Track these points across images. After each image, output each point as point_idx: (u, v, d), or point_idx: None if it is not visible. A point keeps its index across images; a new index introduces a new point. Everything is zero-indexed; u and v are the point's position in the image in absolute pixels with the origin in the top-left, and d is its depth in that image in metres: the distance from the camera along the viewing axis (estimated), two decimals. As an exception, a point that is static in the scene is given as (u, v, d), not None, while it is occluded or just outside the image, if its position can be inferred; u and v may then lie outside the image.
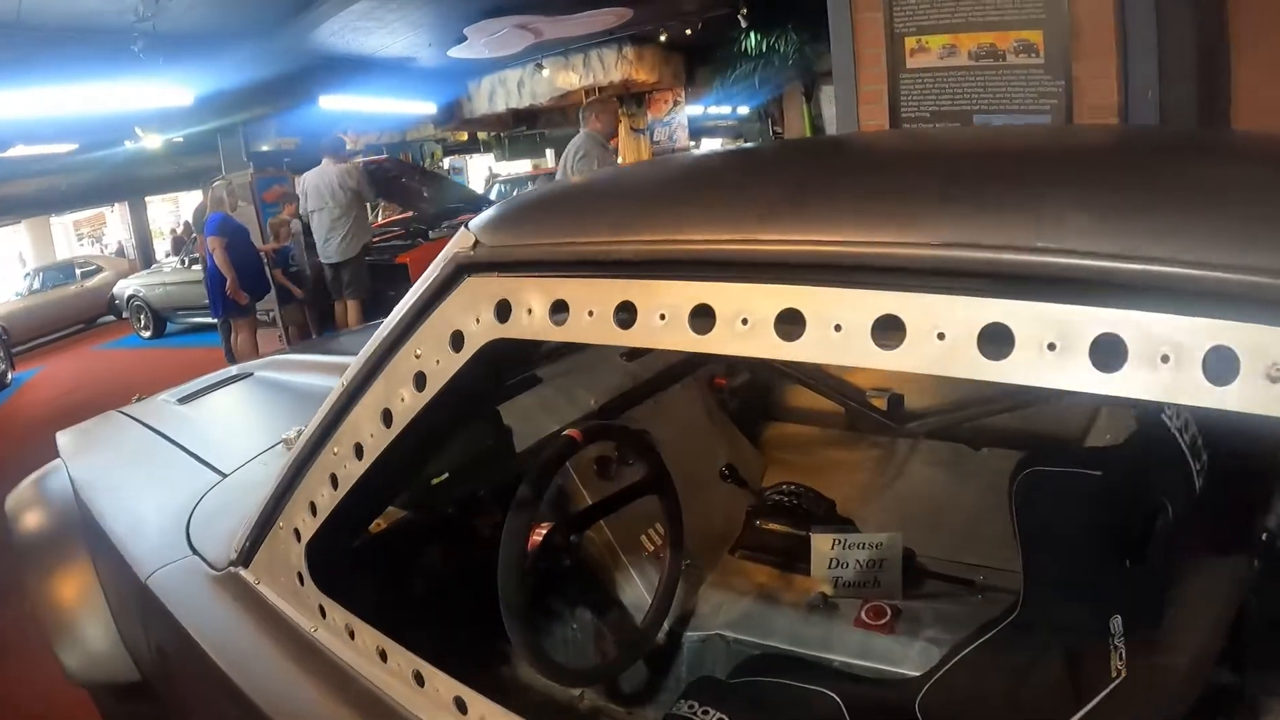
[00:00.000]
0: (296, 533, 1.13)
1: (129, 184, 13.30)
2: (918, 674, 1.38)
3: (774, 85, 12.23)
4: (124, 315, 10.73)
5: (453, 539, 1.43)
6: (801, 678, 1.36)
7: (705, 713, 1.24)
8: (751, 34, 10.62)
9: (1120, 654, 0.95)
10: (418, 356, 0.93)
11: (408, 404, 0.95)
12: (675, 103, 14.76)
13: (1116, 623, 0.99)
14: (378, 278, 7.14)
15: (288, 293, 7.21)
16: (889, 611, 1.51)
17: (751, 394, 2.35)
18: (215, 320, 6.72)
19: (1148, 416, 1.10)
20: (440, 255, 0.92)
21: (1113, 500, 1.15)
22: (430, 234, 8.36)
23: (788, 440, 2.33)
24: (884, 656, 1.45)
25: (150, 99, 7.09)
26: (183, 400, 2.44)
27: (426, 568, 1.42)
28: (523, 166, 18.58)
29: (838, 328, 0.62)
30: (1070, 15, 2.59)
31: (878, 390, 2.20)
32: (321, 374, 2.43)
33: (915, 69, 2.88)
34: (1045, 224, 0.55)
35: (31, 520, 1.95)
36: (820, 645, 1.49)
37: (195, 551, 1.41)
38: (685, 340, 0.69)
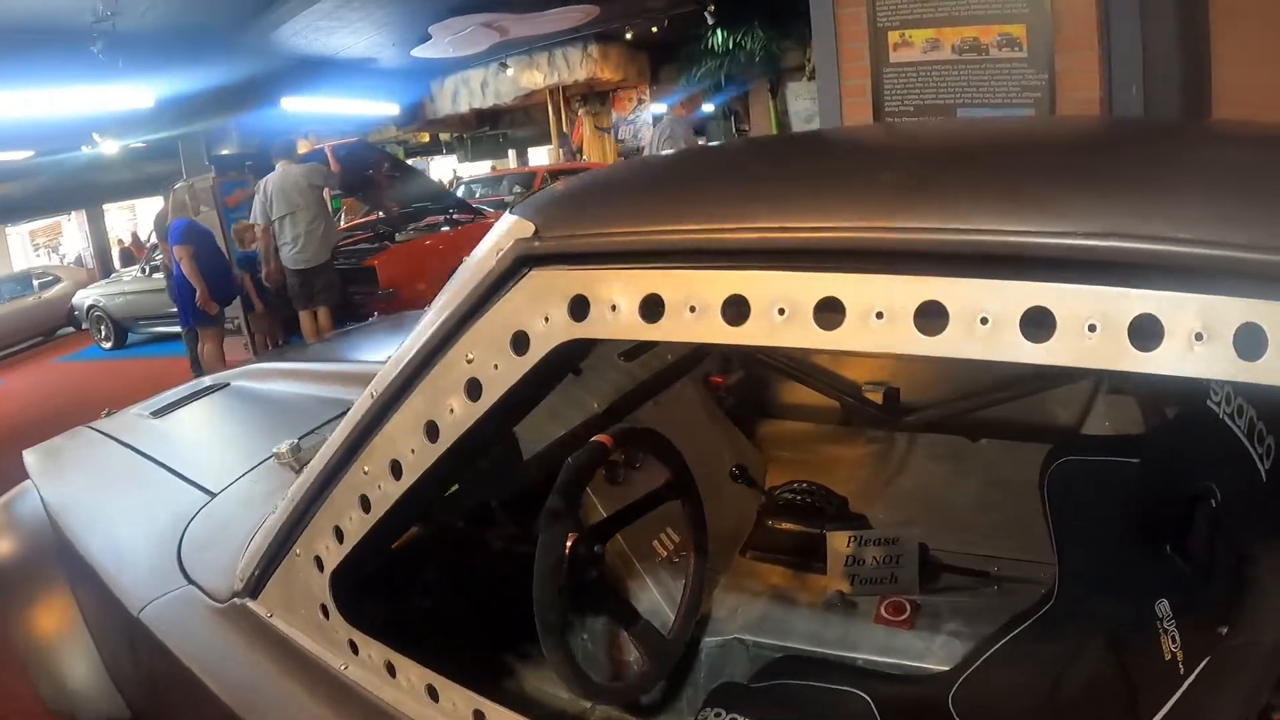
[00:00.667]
0: (318, 561, 1.04)
1: (87, 191, 12.97)
2: (944, 668, 1.36)
3: (740, 82, 12.31)
4: (84, 326, 10.44)
5: (474, 555, 1.36)
6: (827, 678, 1.33)
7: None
8: (718, 31, 10.67)
9: (1173, 637, 0.93)
10: (469, 361, 0.84)
11: (458, 415, 0.86)
12: (640, 101, 14.78)
13: (1164, 606, 0.98)
14: (346, 282, 6.99)
15: (251, 301, 7.00)
16: (908, 607, 1.50)
17: (746, 391, 2.33)
18: (181, 330, 6.49)
19: (1187, 403, 1.09)
20: (487, 245, 0.83)
21: (1151, 487, 1.13)
22: (397, 236, 8.13)
23: (784, 437, 2.32)
24: (907, 652, 1.43)
25: (110, 102, 6.93)
26: (157, 414, 2.32)
27: (452, 588, 1.35)
28: (482, 168, 18.34)
29: (984, 320, 0.59)
30: (1052, 9, 2.61)
31: (874, 384, 2.20)
32: (302, 382, 2.36)
33: (898, 63, 2.89)
34: (1183, 215, 0.54)
35: (2, 547, 1.80)
36: (842, 644, 1.47)
37: (191, 581, 1.31)
38: (809, 337, 0.65)
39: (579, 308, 0.76)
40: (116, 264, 14.37)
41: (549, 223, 0.79)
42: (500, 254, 0.81)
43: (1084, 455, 1.27)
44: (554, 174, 9.54)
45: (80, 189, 12.42)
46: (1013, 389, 2.02)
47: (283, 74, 8.81)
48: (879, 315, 0.62)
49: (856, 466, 2.10)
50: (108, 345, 9.89)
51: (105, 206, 15.82)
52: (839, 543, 1.55)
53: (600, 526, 1.33)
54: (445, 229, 8.16)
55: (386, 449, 0.93)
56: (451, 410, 0.86)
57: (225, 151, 9.57)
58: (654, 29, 11.36)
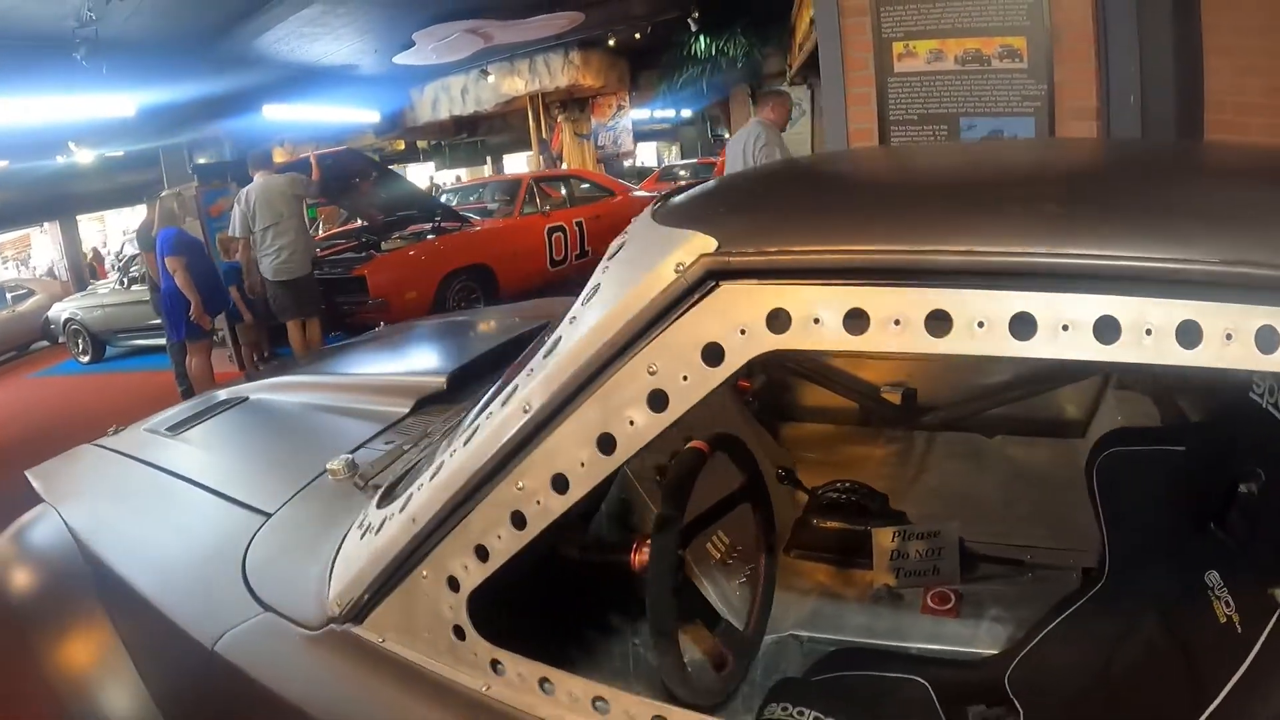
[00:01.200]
0: (453, 581, 1.02)
1: (61, 201, 12.69)
2: (993, 652, 1.43)
3: (720, 88, 12.43)
4: (60, 340, 10.18)
5: (571, 566, 1.36)
6: (884, 667, 1.39)
7: (800, 713, 1.24)
8: (701, 37, 10.76)
9: (1226, 602, 1.01)
10: (652, 373, 0.85)
11: (640, 427, 0.86)
12: (620, 107, 14.85)
13: (1213, 576, 1.05)
14: (334, 292, 6.93)
15: (238, 312, 6.89)
16: (952, 596, 1.57)
17: (769, 395, 2.38)
18: (170, 343, 6.30)
19: (1231, 396, 1.17)
20: (658, 259, 0.85)
21: (1197, 473, 1.21)
22: (383, 245, 8.05)
23: (806, 439, 2.37)
24: (956, 639, 1.50)
25: (92, 110, 6.82)
26: (173, 430, 2.23)
27: (556, 600, 1.34)
28: (453, 175, 18.30)
29: (1148, 331, 0.69)
30: (1051, 22, 2.71)
31: (892, 385, 2.27)
32: (328, 395, 2.30)
33: (903, 73, 2.98)
34: None
35: (26, 578, 1.67)
36: (894, 635, 1.53)
37: (268, 608, 1.25)
38: (1004, 346, 0.72)
39: (778, 321, 0.79)
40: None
41: (733, 238, 0.83)
42: (682, 268, 0.84)
43: (1129, 446, 1.34)
44: (539, 181, 9.54)
45: (55, 199, 12.17)
46: (1024, 388, 2.10)
47: (265, 81, 8.73)
48: (1065, 328, 0.71)
49: (881, 465, 2.16)
50: (85, 359, 9.66)
51: (79, 217, 15.48)
52: (884, 538, 1.62)
53: (684, 530, 1.35)
54: (431, 237, 8.13)
55: (548, 463, 0.92)
56: (631, 422, 0.87)
57: (201, 160, 9.46)
58: (637, 35, 11.44)
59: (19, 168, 9.61)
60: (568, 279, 8.77)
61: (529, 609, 1.28)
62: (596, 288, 0.97)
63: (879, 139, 3.07)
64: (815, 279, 0.79)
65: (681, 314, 0.84)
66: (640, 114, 15.55)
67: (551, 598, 1.35)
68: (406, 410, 2.00)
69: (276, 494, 1.63)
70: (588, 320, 0.91)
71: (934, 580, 1.61)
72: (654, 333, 0.85)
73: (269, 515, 1.55)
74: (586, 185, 10.18)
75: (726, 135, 15.02)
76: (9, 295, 11.69)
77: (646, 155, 21.18)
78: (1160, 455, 1.28)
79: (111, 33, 6.01)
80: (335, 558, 1.26)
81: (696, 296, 0.83)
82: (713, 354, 0.82)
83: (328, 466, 1.57)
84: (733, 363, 0.82)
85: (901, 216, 0.85)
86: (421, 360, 2.91)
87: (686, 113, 16.40)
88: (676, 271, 0.84)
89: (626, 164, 16.28)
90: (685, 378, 0.84)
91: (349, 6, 7.43)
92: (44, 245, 17.55)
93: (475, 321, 3.46)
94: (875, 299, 0.76)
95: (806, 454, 2.26)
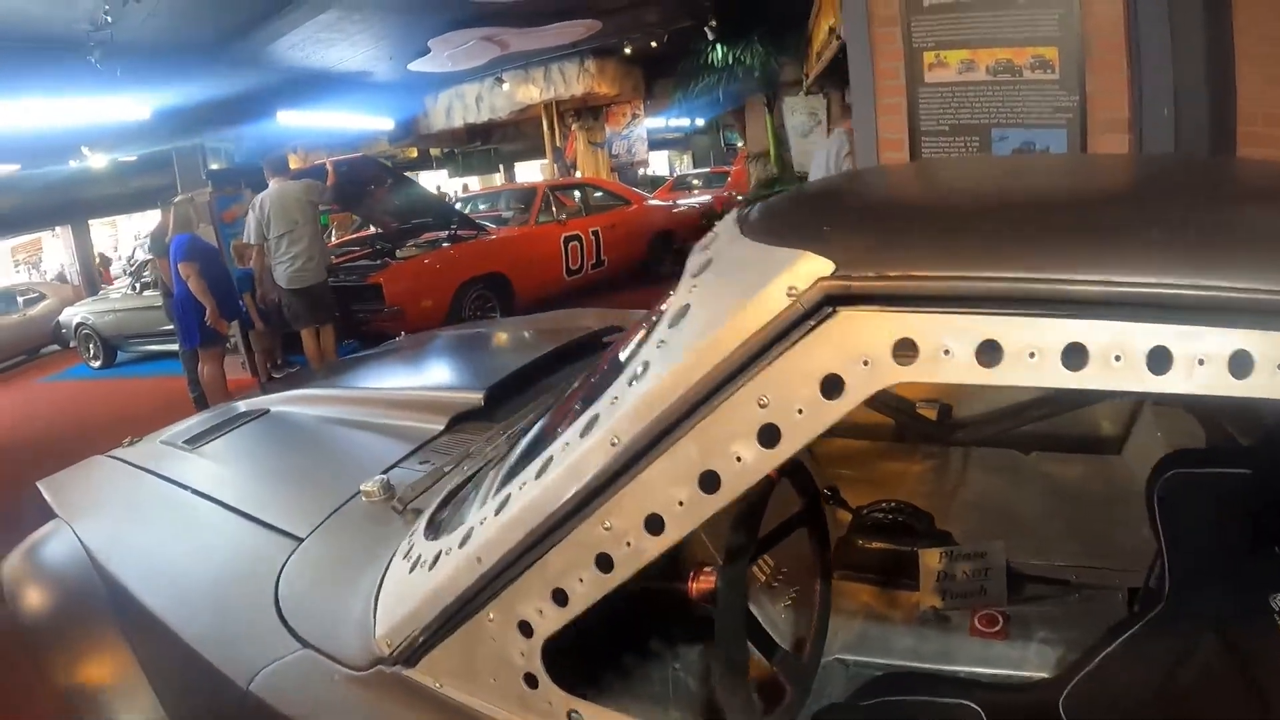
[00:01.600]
0: (525, 626, 0.94)
1: (74, 206, 12.76)
2: (1043, 675, 1.38)
3: (736, 97, 12.42)
4: (71, 344, 10.21)
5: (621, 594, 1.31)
6: (934, 692, 1.34)
7: None
8: (718, 46, 10.76)
9: None
10: (763, 406, 0.78)
11: (748, 463, 0.79)
12: (634, 116, 14.85)
13: (1279, 600, 1.02)
14: (349, 300, 6.92)
15: (250, 319, 6.85)
16: (1000, 618, 1.53)
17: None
18: (183, 350, 6.22)
19: None
20: (764, 281, 0.79)
21: (1262, 495, 1.17)
22: (398, 253, 8.02)
23: (839, 455, 2.33)
24: (1004, 662, 1.46)
25: (106, 113, 6.85)
26: (192, 443, 2.14)
27: (626, 638, 1.29)
28: (460, 183, 18.40)
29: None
30: (1082, 32, 2.68)
31: (927, 401, 2.23)
32: (354, 409, 2.23)
33: (934, 83, 2.96)
34: None
35: (40, 599, 1.59)
36: (941, 658, 1.49)
37: (307, 644, 1.18)
38: (1139, 381, 0.68)
39: (905, 351, 0.74)
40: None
41: (852, 260, 0.77)
42: (795, 292, 0.77)
43: (1193, 468, 1.30)
44: (555, 189, 9.53)
45: (67, 204, 12.24)
46: (1059, 404, 2.07)
47: (279, 87, 8.76)
48: (1200, 362, 0.67)
49: (919, 482, 2.13)
50: (96, 364, 9.67)
51: (91, 222, 15.54)
52: (931, 559, 1.57)
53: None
54: (447, 245, 8.11)
55: (641, 502, 0.85)
56: (739, 459, 0.80)
57: (213, 165, 9.48)
58: (653, 44, 11.45)
59: (32, 172, 9.66)
60: (584, 288, 8.77)
61: (587, 643, 1.19)
62: (686, 309, 0.89)
63: (910, 150, 3.04)
64: (946, 307, 0.73)
65: (795, 342, 0.77)
66: (654, 123, 15.55)
67: (603, 629, 1.30)
68: (441, 428, 1.93)
69: (307, 516, 1.55)
70: (682, 346, 0.84)
71: (981, 602, 1.56)
72: (764, 362, 0.78)
73: (300, 540, 1.48)
74: (601, 194, 10.18)
75: (740, 144, 15.03)
76: (20, 299, 11.74)
77: (658, 164, 21.24)
78: (1224, 478, 1.24)
79: (127, 36, 6.01)
80: (379, 591, 1.19)
81: (812, 323, 0.77)
82: (832, 386, 0.76)
83: (362, 488, 1.52)
84: (855, 396, 0.76)
85: (1035, 239, 0.79)
86: (453, 374, 2.83)
87: (699, 121, 16.42)
88: (789, 296, 0.77)
89: (640, 173, 16.31)
90: (800, 411, 0.77)
91: (365, 13, 7.44)
92: (55, 249, 17.65)
93: (504, 332, 3.39)
94: (1011, 330, 0.71)
95: (843, 471, 2.22)
